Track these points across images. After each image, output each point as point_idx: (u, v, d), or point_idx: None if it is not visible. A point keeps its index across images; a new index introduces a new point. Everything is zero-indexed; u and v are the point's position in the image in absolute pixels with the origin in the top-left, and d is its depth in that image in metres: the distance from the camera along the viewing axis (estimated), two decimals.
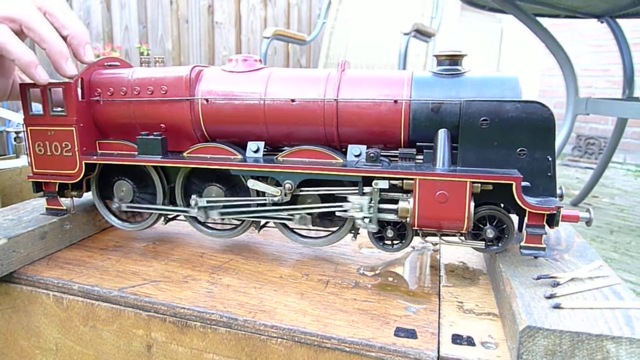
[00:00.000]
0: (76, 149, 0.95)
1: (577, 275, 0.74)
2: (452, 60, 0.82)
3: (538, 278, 0.72)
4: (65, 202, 1.04)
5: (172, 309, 0.79)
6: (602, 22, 3.53)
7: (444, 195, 0.76)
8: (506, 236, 0.82)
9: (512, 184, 0.73)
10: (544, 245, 0.77)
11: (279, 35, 4.08)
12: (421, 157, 0.84)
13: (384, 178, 0.78)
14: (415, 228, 0.81)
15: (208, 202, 0.93)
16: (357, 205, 0.83)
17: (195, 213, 0.93)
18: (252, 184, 0.88)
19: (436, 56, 0.84)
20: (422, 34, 3.67)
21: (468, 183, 0.75)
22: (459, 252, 1.02)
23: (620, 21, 3.37)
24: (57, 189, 1.02)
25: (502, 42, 7.80)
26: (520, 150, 0.76)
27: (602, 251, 2.72)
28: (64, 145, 0.96)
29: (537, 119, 0.74)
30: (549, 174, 0.76)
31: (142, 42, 4.45)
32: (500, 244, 0.82)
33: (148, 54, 4.46)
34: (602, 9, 3.25)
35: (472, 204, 0.76)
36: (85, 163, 0.96)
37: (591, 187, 3.65)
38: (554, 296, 0.68)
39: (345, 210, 0.84)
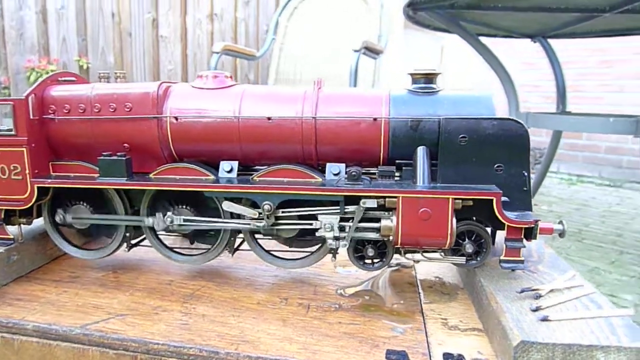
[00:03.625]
0: (27, 171, 0.87)
1: (555, 286, 0.76)
2: (427, 78, 0.83)
3: (522, 291, 0.74)
4: (12, 230, 0.94)
5: (144, 345, 0.72)
6: (535, 42, 3.79)
7: (427, 212, 0.76)
8: (484, 250, 0.83)
9: (492, 199, 0.74)
10: (522, 258, 0.79)
11: (228, 50, 4.03)
12: (399, 174, 0.84)
13: (368, 197, 0.77)
14: (398, 246, 0.80)
15: (185, 220, 0.87)
16: (326, 224, 0.81)
17: (162, 224, 0.87)
18: (228, 206, 0.83)
19: (412, 74, 0.84)
20: (371, 51, 3.77)
21: (450, 199, 0.75)
22: (433, 267, 1.03)
23: (551, 41, 3.64)
24: (3, 216, 0.92)
25: (442, 59, 8.19)
26: (497, 166, 0.78)
27: None
28: (12, 168, 0.87)
29: (512, 135, 0.77)
30: (525, 188, 0.79)
31: (81, 54, 4.24)
32: (479, 258, 0.83)
33: (88, 67, 4.24)
34: (535, 30, 3.50)
35: (454, 220, 0.76)
36: (37, 187, 0.87)
37: (532, 196, 3.86)
38: (539, 309, 0.69)
39: (316, 230, 0.82)
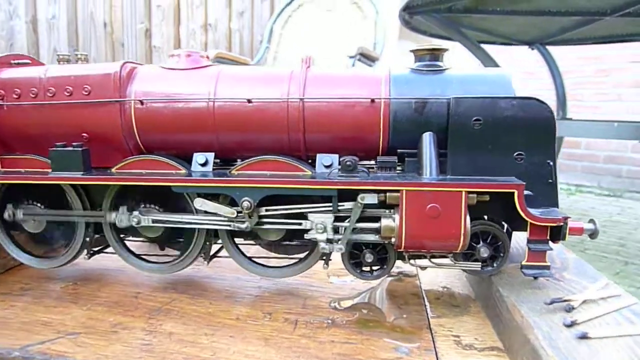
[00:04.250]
0: None
1: (588, 296, 0.64)
2: (433, 55, 0.72)
3: (551, 302, 0.61)
4: None
5: None
6: (532, 49, 3.73)
7: (436, 208, 0.64)
8: (501, 255, 0.71)
9: (513, 192, 0.63)
10: (548, 263, 0.67)
11: (220, 58, 3.94)
12: (401, 167, 0.72)
13: (366, 191, 0.65)
14: (401, 250, 0.68)
15: (154, 221, 0.75)
16: (318, 225, 0.69)
17: (126, 220, 0.75)
18: (201, 203, 0.71)
19: (414, 51, 0.73)
20: (367, 57, 3.68)
21: (464, 193, 0.63)
22: (439, 276, 0.90)
23: (550, 48, 3.57)
24: None
25: None
26: (517, 155, 0.66)
27: None
28: None
29: (535, 117, 0.65)
30: (550, 180, 0.67)
31: None
32: (495, 264, 0.71)
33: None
34: (533, 36, 3.43)
35: (468, 218, 0.64)
36: None
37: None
38: (575, 324, 0.57)
39: (306, 231, 0.70)
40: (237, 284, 0.85)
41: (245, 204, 0.68)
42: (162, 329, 0.69)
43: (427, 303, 0.79)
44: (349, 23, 4.22)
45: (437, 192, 0.63)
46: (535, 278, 0.70)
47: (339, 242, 0.68)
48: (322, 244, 0.69)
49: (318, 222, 0.69)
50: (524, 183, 0.63)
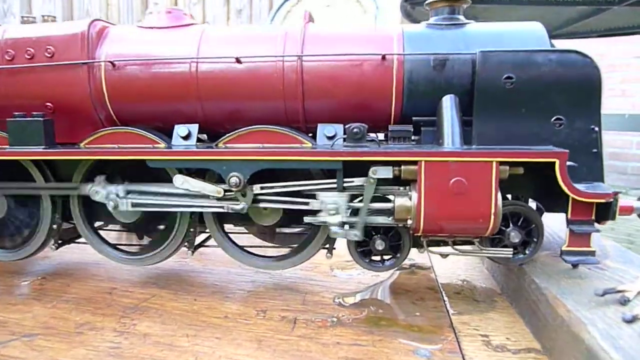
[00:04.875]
0: None
1: None
2: (452, 8, 0.62)
3: (604, 294, 0.51)
4: None
5: None
6: None
7: (461, 183, 0.53)
8: (535, 240, 0.60)
9: (554, 162, 0.52)
10: (593, 249, 0.56)
11: None
12: (416, 138, 0.62)
13: (379, 162, 0.55)
14: (419, 235, 0.58)
15: (134, 205, 0.64)
16: (330, 206, 0.58)
17: (103, 192, 0.64)
18: (181, 181, 0.61)
19: (430, 4, 0.63)
20: None
21: (494, 164, 0.53)
22: (455, 267, 0.80)
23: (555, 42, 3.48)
24: None
25: None
26: (556, 120, 0.56)
27: None
28: None
29: (577, 74, 0.55)
30: (595, 150, 0.56)
31: None
32: (528, 251, 0.60)
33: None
34: None
35: (499, 194, 0.54)
36: None
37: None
38: (637, 319, 0.46)
39: (313, 213, 0.59)
40: (227, 278, 0.75)
41: (234, 180, 0.57)
42: (135, 329, 0.58)
43: (445, 298, 0.68)
44: (349, 18, 4.14)
45: (462, 163, 0.53)
46: (574, 266, 0.59)
47: (354, 226, 0.58)
48: (334, 229, 0.59)
49: (329, 202, 0.58)
50: (567, 151, 0.52)
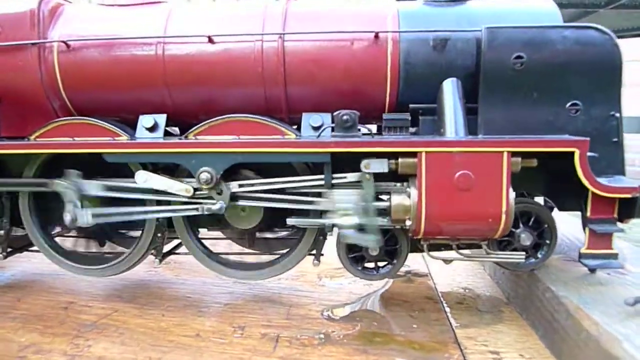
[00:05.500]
0: None
1: None
2: None
3: (635, 303, 0.44)
4: None
5: None
6: None
7: (468, 177, 0.46)
8: (548, 243, 0.53)
9: (574, 152, 0.46)
10: (615, 251, 0.50)
11: None
12: (415, 129, 0.54)
13: (373, 154, 0.48)
14: (419, 237, 0.51)
15: (94, 215, 0.55)
16: (345, 204, 0.50)
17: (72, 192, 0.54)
18: (144, 178, 0.52)
19: None
20: None
21: (505, 155, 0.46)
22: (454, 273, 0.73)
23: None
24: None
25: None
26: (571, 105, 0.50)
27: None
28: None
29: (595, 53, 0.49)
30: (615, 139, 0.50)
31: None
32: (540, 255, 0.54)
33: None
34: None
35: (511, 190, 0.47)
36: None
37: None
38: None
39: (319, 214, 0.52)
40: (202, 289, 0.67)
41: (204, 175, 0.49)
42: (89, 351, 0.50)
43: (447, 309, 0.61)
44: None
45: (469, 154, 0.46)
46: (592, 271, 0.53)
47: (366, 229, 0.50)
48: (349, 232, 0.51)
49: (344, 199, 0.50)
50: (588, 139, 0.46)
